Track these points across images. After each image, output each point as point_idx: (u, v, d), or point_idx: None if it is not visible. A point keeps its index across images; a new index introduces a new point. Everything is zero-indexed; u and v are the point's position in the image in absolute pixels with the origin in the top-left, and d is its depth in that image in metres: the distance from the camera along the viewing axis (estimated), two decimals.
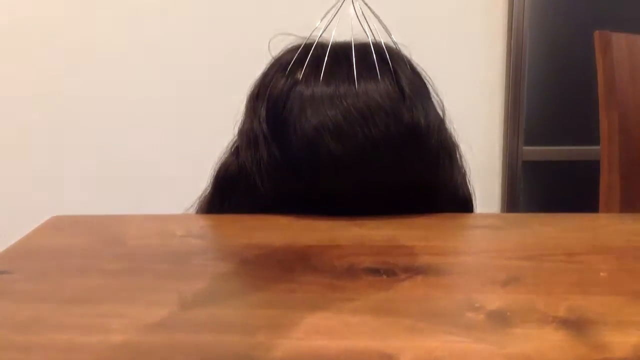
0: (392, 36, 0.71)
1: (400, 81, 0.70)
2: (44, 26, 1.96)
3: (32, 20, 1.96)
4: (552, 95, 2.12)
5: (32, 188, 2.01)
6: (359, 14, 0.65)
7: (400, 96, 0.69)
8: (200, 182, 0.75)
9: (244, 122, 0.74)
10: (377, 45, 0.70)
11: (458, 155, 0.76)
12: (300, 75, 0.69)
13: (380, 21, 0.69)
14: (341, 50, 0.69)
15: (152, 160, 2.01)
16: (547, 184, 2.18)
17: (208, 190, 0.75)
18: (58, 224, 0.70)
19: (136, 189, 1.98)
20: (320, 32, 0.69)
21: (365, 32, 0.68)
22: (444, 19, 1.99)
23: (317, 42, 0.70)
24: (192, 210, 0.76)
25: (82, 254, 0.61)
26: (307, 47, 0.70)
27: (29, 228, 0.66)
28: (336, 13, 0.66)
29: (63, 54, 1.97)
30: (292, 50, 0.73)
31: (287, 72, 0.70)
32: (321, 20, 0.68)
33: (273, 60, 0.75)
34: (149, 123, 2.00)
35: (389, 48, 0.71)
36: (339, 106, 0.67)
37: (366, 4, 0.65)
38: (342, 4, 0.65)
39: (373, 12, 0.67)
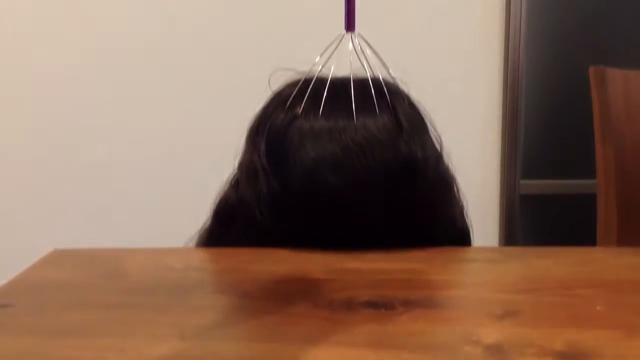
0: (390, 71, 0.72)
1: (398, 115, 0.70)
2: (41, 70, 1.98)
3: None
4: (549, 129, 2.13)
5: (33, 221, 2.01)
6: (358, 49, 0.66)
7: (398, 130, 0.70)
8: (201, 215, 0.76)
9: (244, 156, 0.75)
10: (376, 80, 0.71)
11: (455, 189, 0.76)
12: (299, 110, 0.70)
13: (378, 57, 0.70)
14: (340, 85, 0.70)
15: (153, 197, 2.01)
16: (545, 217, 2.18)
17: (208, 223, 0.75)
18: (58, 258, 0.70)
19: (137, 221, 1.98)
20: (320, 67, 0.70)
21: (364, 67, 0.69)
22: (441, 54, 2.01)
23: (317, 77, 0.70)
24: (192, 243, 0.76)
25: (83, 288, 0.61)
26: (307, 82, 0.71)
27: (29, 261, 0.66)
28: (335, 49, 0.67)
29: (65, 86, 1.99)
30: (291, 85, 0.74)
31: (286, 106, 0.71)
32: (320, 55, 0.68)
33: (273, 95, 0.76)
34: (150, 158, 2.01)
35: (387, 83, 0.72)
36: (337, 140, 0.68)
37: (365, 40, 0.66)
38: (341, 40, 0.66)
39: (371, 48, 0.68)
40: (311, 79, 0.71)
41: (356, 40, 0.65)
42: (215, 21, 1.98)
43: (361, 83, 0.70)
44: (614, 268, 0.67)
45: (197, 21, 1.98)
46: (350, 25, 0.63)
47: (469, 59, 2.03)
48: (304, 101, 0.70)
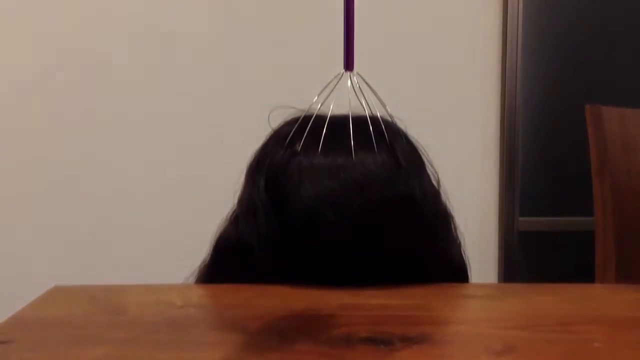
0: (388, 109, 0.73)
1: (396, 153, 0.71)
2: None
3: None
4: (547, 166, 2.14)
5: (33, 256, 2.01)
6: (356, 87, 0.67)
7: (396, 167, 0.71)
8: (200, 251, 0.76)
9: (244, 192, 0.75)
10: (374, 118, 0.71)
11: (453, 226, 0.77)
12: (299, 147, 0.71)
13: (376, 95, 0.70)
14: (339, 123, 0.71)
15: (153, 226, 2.01)
16: (544, 254, 2.18)
17: (207, 259, 0.76)
18: (58, 294, 0.70)
19: (137, 252, 1.98)
20: (319, 105, 0.71)
21: (362, 105, 0.70)
22: (438, 92, 2.03)
23: (316, 114, 0.71)
24: (192, 279, 0.76)
25: (83, 324, 0.61)
26: (306, 119, 0.72)
27: (30, 297, 0.67)
28: (334, 87, 0.67)
29: (66, 120, 2.00)
30: (291, 122, 0.75)
31: (286, 143, 0.72)
32: (319, 93, 0.69)
33: (272, 132, 0.77)
34: (150, 194, 2.02)
35: (385, 121, 0.73)
36: (336, 177, 0.69)
37: (363, 79, 0.67)
38: (340, 79, 0.67)
39: (369, 86, 0.69)
40: (310, 117, 0.71)
41: (354, 79, 0.66)
42: (214, 60, 2.00)
43: (360, 121, 0.70)
44: (612, 305, 0.68)
45: (196, 59, 2.00)
46: (349, 64, 0.64)
47: (466, 96, 2.05)
48: (303, 138, 0.70)
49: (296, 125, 0.72)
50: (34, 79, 1.99)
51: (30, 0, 1.97)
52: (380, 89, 0.70)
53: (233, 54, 2.00)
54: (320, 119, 0.71)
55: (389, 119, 0.74)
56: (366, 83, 0.67)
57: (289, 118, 0.76)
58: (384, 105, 0.72)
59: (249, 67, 2.00)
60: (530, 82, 2.07)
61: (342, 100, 0.68)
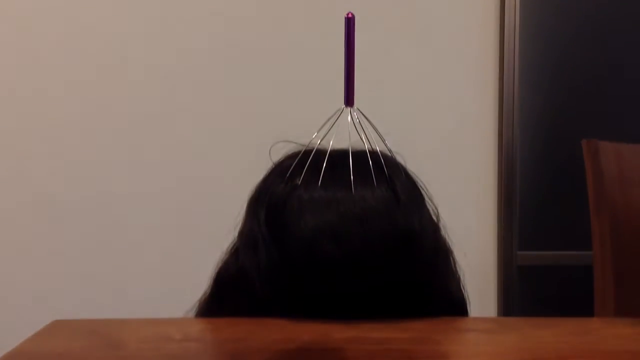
0: (387, 144, 0.74)
1: (395, 187, 0.72)
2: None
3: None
4: (545, 201, 2.14)
5: (32, 290, 2.00)
6: (356, 122, 0.67)
7: (395, 202, 0.71)
8: (201, 284, 0.77)
9: (244, 225, 0.76)
10: (374, 153, 0.72)
11: (452, 261, 0.77)
12: (299, 181, 0.71)
13: (376, 130, 0.71)
14: (339, 157, 0.71)
15: (154, 258, 2.01)
16: (542, 288, 2.18)
17: (208, 292, 0.76)
18: (58, 329, 0.70)
19: (136, 290, 1.98)
20: (319, 140, 0.72)
21: (362, 140, 0.71)
22: (437, 129, 2.04)
23: (316, 149, 0.72)
24: (192, 313, 0.76)
25: (82, 359, 0.61)
26: (307, 153, 0.72)
27: (29, 331, 0.67)
28: (335, 122, 0.68)
29: (65, 156, 2.01)
30: (292, 156, 0.76)
31: (286, 177, 0.73)
32: (320, 128, 0.70)
33: (273, 166, 0.77)
34: (151, 226, 2.02)
35: (384, 156, 0.73)
36: (336, 210, 0.69)
37: (363, 114, 0.68)
38: (340, 114, 0.67)
39: (369, 122, 0.69)
40: (311, 151, 0.72)
41: (355, 114, 0.67)
42: (215, 95, 2.01)
43: (360, 155, 0.71)
44: (611, 338, 0.68)
45: (197, 95, 2.01)
46: (349, 100, 0.65)
47: (464, 133, 2.06)
48: (304, 172, 0.71)
49: (297, 160, 0.73)
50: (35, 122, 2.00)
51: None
52: (380, 124, 0.71)
53: (234, 89, 2.01)
54: (320, 153, 0.71)
55: (389, 153, 0.75)
56: (366, 118, 0.68)
57: (289, 152, 0.77)
58: (383, 140, 0.72)
59: (250, 102, 2.01)
60: (528, 115, 2.08)
61: (342, 135, 0.69)
